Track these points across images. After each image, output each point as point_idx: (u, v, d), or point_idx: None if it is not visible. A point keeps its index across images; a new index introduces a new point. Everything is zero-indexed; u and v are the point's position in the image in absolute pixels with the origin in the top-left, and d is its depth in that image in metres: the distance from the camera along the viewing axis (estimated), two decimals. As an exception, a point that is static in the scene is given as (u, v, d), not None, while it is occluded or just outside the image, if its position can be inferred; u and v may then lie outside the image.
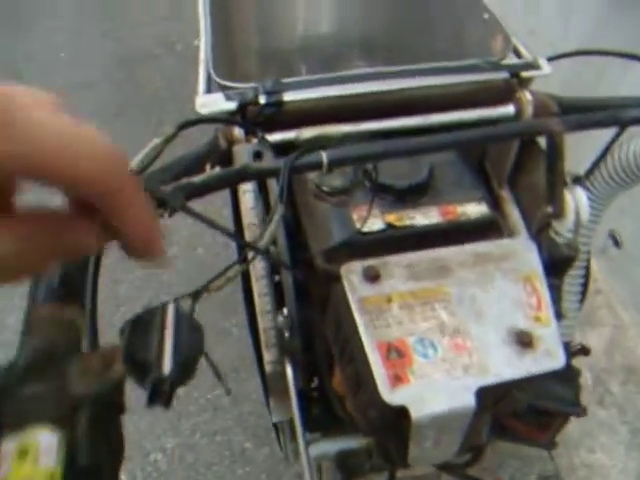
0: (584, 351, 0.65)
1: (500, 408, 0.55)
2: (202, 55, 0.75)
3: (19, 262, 0.21)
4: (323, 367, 0.67)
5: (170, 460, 1.42)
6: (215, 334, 1.60)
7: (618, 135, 0.53)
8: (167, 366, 0.23)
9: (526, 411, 0.61)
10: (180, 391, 1.23)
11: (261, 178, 0.45)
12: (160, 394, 0.27)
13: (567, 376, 0.65)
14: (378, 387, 0.45)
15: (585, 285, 0.66)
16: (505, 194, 0.83)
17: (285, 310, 0.60)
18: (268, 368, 0.62)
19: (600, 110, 0.58)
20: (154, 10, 2.72)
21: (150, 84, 2.27)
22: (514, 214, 0.80)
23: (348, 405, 0.59)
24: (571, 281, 0.63)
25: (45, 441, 0.24)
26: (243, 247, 0.49)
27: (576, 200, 0.52)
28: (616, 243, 1.53)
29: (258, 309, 0.61)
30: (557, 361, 0.50)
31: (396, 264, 0.54)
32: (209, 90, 0.72)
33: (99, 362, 0.26)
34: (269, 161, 0.47)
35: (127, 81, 2.30)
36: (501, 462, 1.40)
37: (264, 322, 0.61)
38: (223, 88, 0.71)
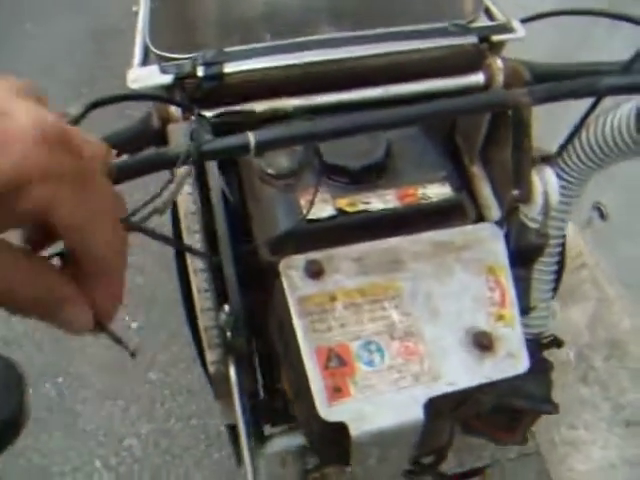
0: (557, 343, 0.60)
1: (461, 412, 0.50)
2: (140, 23, 0.67)
3: None
4: (267, 367, 0.62)
5: (145, 445, 1.39)
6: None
7: (594, 106, 0.47)
8: None
9: (492, 410, 0.57)
10: (153, 376, 1.18)
11: (183, 163, 0.39)
12: None
13: (538, 370, 0.60)
14: (315, 401, 0.40)
15: (559, 272, 0.60)
16: (477, 170, 0.76)
17: (226, 307, 0.55)
18: (212, 369, 0.57)
19: (577, 76, 0.51)
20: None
21: (120, 58, 2.16)
22: (485, 192, 0.74)
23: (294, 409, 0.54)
24: (543, 268, 0.57)
25: None
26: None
27: (545, 182, 0.46)
28: (601, 215, 1.48)
29: (198, 306, 0.56)
30: (520, 365, 0.44)
31: (343, 257, 0.48)
32: (145, 63, 0.65)
33: None
34: (180, 145, 0.40)
35: (96, 55, 2.19)
36: (481, 442, 1.38)
37: (205, 320, 0.56)
38: (161, 59, 0.63)
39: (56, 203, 0.21)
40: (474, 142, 0.73)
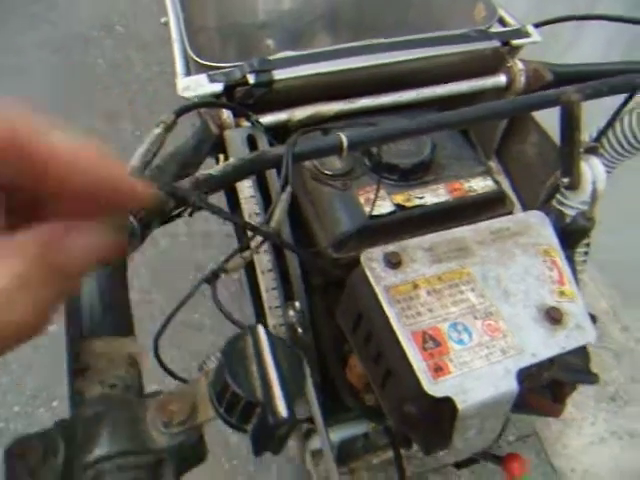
0: (593, 319, 0.65)
1: (526, 385, 0.54)
2: (174, 33, 0.69)
3: (40, 292, 0.16)
4: (331, 360, 0.64)
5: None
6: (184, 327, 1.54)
7: (627, 101, 0.53)
8: (283, 407, 0.19)
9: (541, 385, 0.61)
10: (149, 388, 1.17)
11: (279, 165, 0.41)
12: (275, 440, 0.23)
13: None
14: (420, 380, 0.43)
15: (587, 254, 0.66)
16: (493, 165, 0.82)
17: (297, 304, 0.57)
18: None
19: (596, 77, 0.57)
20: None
21: (90, 69, 2.11)
22: (504, 186, 0.79)
23: (371, 397, 0.57)
24: (578, 250, 0.63)
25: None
26: (252, 232, 0.44)
27: (594, 170, 0.51)
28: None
29: (266, 304, 0.57)
30: (589, 335, 0.49)
31: (416, 247, 0.52)
32: (188, 71, 0.66)
33: (181, 405, 0.22)
34: (277, 147, 0.43)
35: (65, 67, 2.13)
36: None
37: (274, 318, 0.58)
38: (202, 68, 0.65)
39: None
40: (492, 139, 0.78)
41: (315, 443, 0.81)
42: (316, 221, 0.60)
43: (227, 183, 0.39)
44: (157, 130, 0.43)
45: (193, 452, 0.23)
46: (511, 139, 0.78)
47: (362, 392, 0.60)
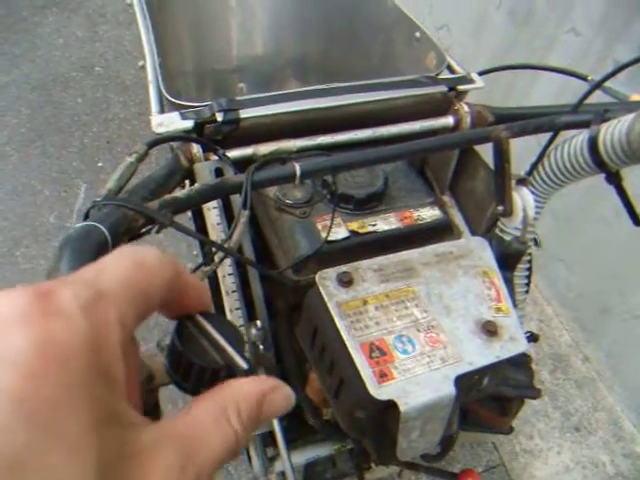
0: (533, 338, 0.70)
1: (469, 397, 0.58)
2: (150, 75, 0.75)
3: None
4: (293, 378, 0.68)
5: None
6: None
7: (552, 139, 0.60)
8: (242, 362, 0.24)
9: (487, 399, 0.66)
10: None
11: (239, 191, 0.46)
12: None
13: (521, 362, 0.70)
14: (366, 385, 0.47)
15: (529, 277, 0.72)
16: (447, 199, 0.88)
17: (258, 323, 0.61)
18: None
19: (530, 118, 0.64)
20: (69, 31, 2.61)
21: (70, 108, 2.17)
22: (457, 217, 0.86)
23: (328, 411, 0.60)
24: (518, 273, 0.69)
25: None
26: (215, 249, 0.49)
27: (523, 199, 0.58)
28: (536, 243, 1.65)
29: (230, 324, 0.61)
30: (521, 345, 0.54)
31: (366, 268, 0.57)
32: (162, 109, 0.72)
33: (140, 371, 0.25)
34: (238, 175, 0.48)
35: (44, 106, 2.19)
36: (452, 457, 1.46)
37: (237, 336, 0.61)
38: (175, 107, 0.71)
39: None
40: (445, 175, 0.85)
41: (280, 466, 0.83)
42: (278, 248, 0.65)
43: (192, 205, 0.44)
44: (130, 159, 0.48)
45: (151, 414, 0.27)
46: (462, 176, 0.85)
47: (321, 406, 0.63)
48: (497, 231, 0.68)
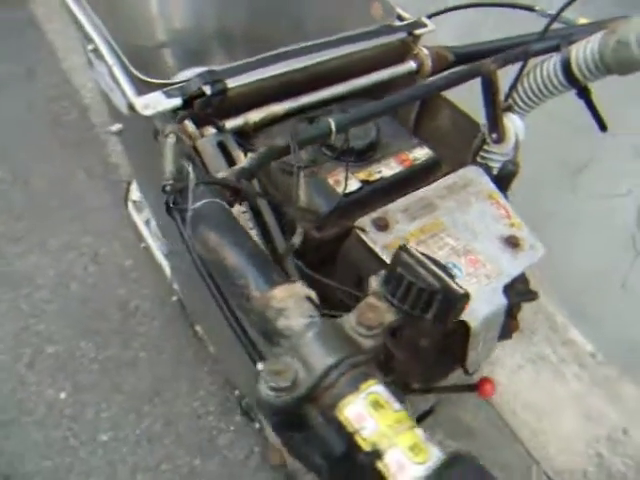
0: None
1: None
2: (109, 59, 0.70)
3: None
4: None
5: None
6: (123, 365, 1.49)
7: (524, 66, 0.66)
8: (457, 287, 0.26)
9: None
10: (104, 436, 1.12)
11: (288, 152, 0.47)
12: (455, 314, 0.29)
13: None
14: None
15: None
16: (413, 141, 0.93)
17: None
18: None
19: (488, 52, 0.70)
20: None
21: None
22: (426, 156, 0.91)
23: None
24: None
25: (380, 390, 0.24)
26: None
27: (514, 124, 0.64)
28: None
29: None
30: (540, 250, 0.61)
31: (395, 210, 0.60)
32: (138, 91, 0.68)
33: (373, 315, 0.27)
34: (281, 139, 0.49)
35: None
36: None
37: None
38: (150, 86, 0.67)
39: None
40: (409, 117, 0.89)
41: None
42: (293, 212, 0.66)
43: (255, 171, 0.44)
44: (170, 140, 0.46)
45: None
46: (426, 117, 0.90)
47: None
48: (479, 159, 0.74)
